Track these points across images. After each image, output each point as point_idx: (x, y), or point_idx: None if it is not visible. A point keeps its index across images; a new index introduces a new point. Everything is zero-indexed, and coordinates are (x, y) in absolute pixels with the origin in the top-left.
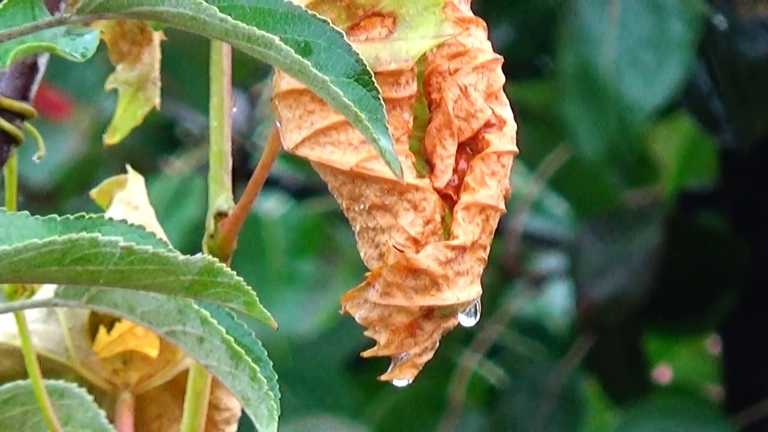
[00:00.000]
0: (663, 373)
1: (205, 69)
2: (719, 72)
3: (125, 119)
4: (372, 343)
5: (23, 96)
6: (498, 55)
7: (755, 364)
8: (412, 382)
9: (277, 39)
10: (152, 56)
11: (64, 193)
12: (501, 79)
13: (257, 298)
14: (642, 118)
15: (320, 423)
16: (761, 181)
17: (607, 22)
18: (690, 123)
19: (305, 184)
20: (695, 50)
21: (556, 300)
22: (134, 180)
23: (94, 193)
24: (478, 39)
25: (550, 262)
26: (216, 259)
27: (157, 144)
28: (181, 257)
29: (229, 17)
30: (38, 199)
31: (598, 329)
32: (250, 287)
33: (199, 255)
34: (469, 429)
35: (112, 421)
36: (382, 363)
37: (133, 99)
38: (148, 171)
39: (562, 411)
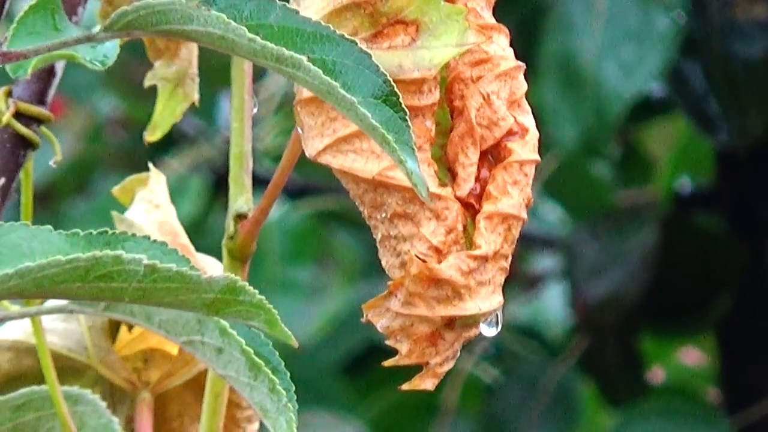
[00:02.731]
0: (658, 374)
1: (200, 72)
2: (715, 72)
3: (165, 116)
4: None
5: (40, 101)
6: (520, 63)
7: (752, 365)
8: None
9: (305, 59)
10: (190, 52)
11: (59, 193)
12: (523, 86)
13: (278, 317)
14: (619, 109)
15: (315, 420)
16: (758, 181)
17: (593, 14)
18: (685, 122)
19: (303, 186)
20: (678, 44)
21: (553, 300)
22: (156, 178)
23: (116, 190)
24: (500, 46)
25: (546, 262)
26: (238, 278)
27: (152, 144)
28: (204, 275)
29: (257, 37)
30: (34, 199)
31: (594, 329)
32: (271, 306)
33: (221, 273)
34: (463, 429)
35: (131, 420)
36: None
37: (172, 95)
38: (143, 171)
39: (558, 411)
